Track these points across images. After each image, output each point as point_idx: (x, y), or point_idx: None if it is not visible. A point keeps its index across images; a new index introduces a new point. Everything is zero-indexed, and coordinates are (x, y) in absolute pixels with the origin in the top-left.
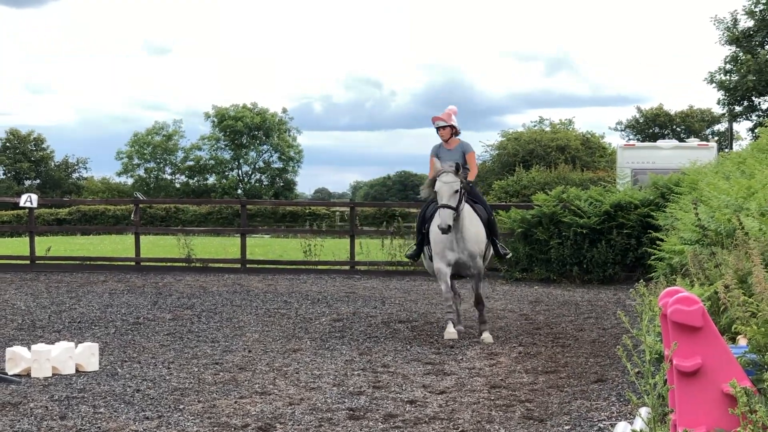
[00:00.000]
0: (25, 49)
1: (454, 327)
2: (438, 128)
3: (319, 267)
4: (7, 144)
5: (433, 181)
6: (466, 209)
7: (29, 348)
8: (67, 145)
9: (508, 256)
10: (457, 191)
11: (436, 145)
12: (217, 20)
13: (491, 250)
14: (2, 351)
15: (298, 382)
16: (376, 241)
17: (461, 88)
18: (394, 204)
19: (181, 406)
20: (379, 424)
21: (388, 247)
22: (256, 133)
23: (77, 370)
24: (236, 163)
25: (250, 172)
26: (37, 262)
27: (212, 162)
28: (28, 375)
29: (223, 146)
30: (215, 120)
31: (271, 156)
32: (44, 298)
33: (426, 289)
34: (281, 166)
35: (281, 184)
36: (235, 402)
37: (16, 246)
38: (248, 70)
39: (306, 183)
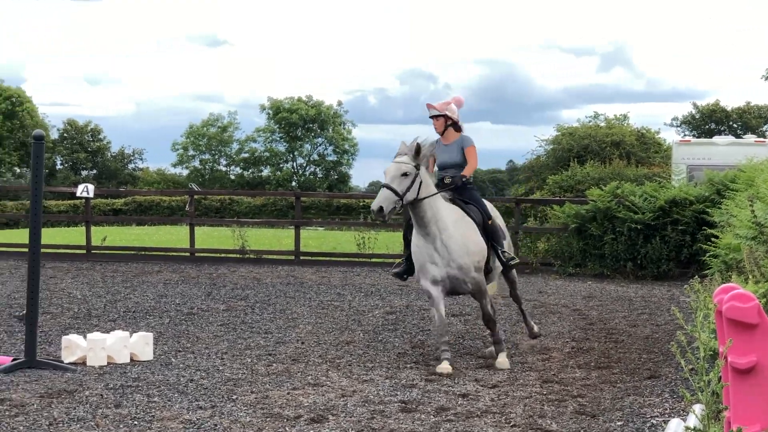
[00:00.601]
0: (84, 41)
1: (450, 362)
2: (431, 117)
3: (373, 260)
4: (65, 134)
5: None
6: (450, 210)
7: (85, 337)
8: (124, 136)
9: (513, 263)
10: (406, 174)
11: (433, 140)
12: (273, 12)
13: (495, 259)
14: (59, 339)
15: (351, 375)
16: None
17: (516, 83)
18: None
19: (234, 397)
20: (431, 417)
21: None
22: (311, 125)
23: (132, 359)
24: (291, 155)
25: (304, 165)
26: (93, 251)
27: (267, 154)
28: (84, 363)
29: (277, 138)
30: (270, 112)
31: (326, 149)
32: (100, 287)
33: None
34: (336, 158)
35: (335, 176)
36: (288, 393)
37: (72, 236)
38: (303, 62)
39: (360, 176)
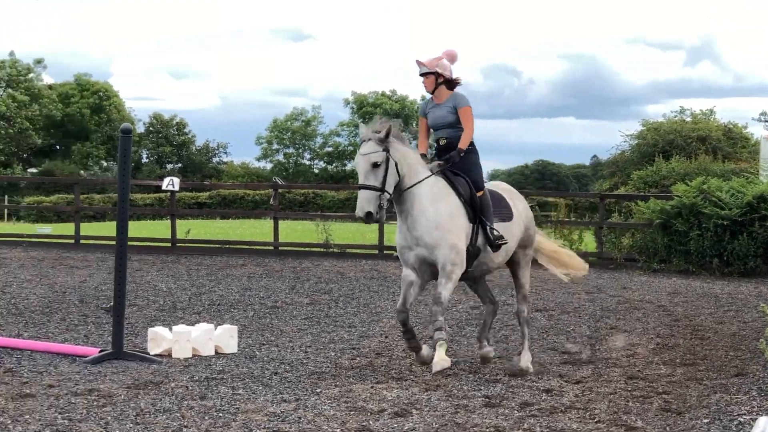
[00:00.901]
0: (168, 35)
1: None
2: (421, 75)
3: None
4: (151, 128)
5: None
6: (432, 186)
7: (170, 329)
8: (208, 130)
9: (501, 242)
10: (377, 164)
11: (425, 100)
12: (357, 7)
13: (484, 241)
14: (145, 331)
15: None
16: None
17: (600, 77)
18: (532, 192)
19: (318, 390)
20: (515, 412)
21: None
22: (395, 119)
23: (216, 352)
24: None
25: None
26: (177, 244)
27: (351, 148)
28: (169, 355)
29: None
30: (354, 106)
31: (410, 143)
32: (185, 280)
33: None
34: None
35: None
36: (372, 387)
37: (157, 228)
38: (388, 57)
39: None
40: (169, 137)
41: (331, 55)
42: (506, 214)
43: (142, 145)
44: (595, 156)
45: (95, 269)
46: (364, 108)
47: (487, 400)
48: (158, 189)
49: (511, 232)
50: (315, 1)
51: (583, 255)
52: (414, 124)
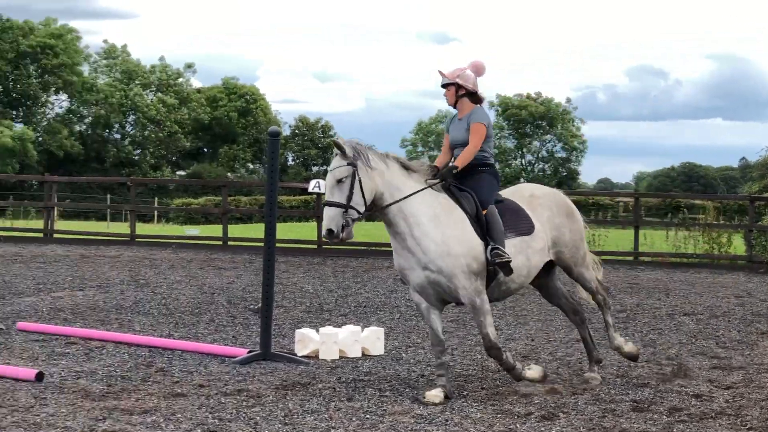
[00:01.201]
0: (315, 38)
1: (444, 390)
2: (442, 86)
3: (603, 257)
4: (296, 131)
5: None
6: (430, 202)
7: (317, 330)
8: (353, 132)
9: (499, 261)
10: (341, 180)
11: (450, 116)
12: (502, 10)
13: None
14: (292, 332)
15: (581, 372)
16: (660, 233)
17: (749, 78)
18: (679, 195)
19: (465, 393)
20: (664, 417)
21: (672, 239)
22: (540, 122)
23: (363, 354)
24: (519, 152)
25: (533, 161)
26: (323, 246)
27: (496, 150)
28: (316, 357)
29: (506, 135)
30: (499, 109)
31: (555, 145)
32: (331, 282)
33: (711, 282)
34: (565, 155)
35: (564, 173)
36: (518, 390)
37: (304, 230)
38: (533, 59)
39: (589, 173)
40: (314, 140)
41: (476, 57)
42: (525, 228)
43: (288, 148)
44: (743, 158)
45: (242, 270)
46: (509, 110)
47: (635, 404)
48: (304, 191)
49: (531, 246)
50: (461, 4)
51: (733, 258)
52: (559, 127)
